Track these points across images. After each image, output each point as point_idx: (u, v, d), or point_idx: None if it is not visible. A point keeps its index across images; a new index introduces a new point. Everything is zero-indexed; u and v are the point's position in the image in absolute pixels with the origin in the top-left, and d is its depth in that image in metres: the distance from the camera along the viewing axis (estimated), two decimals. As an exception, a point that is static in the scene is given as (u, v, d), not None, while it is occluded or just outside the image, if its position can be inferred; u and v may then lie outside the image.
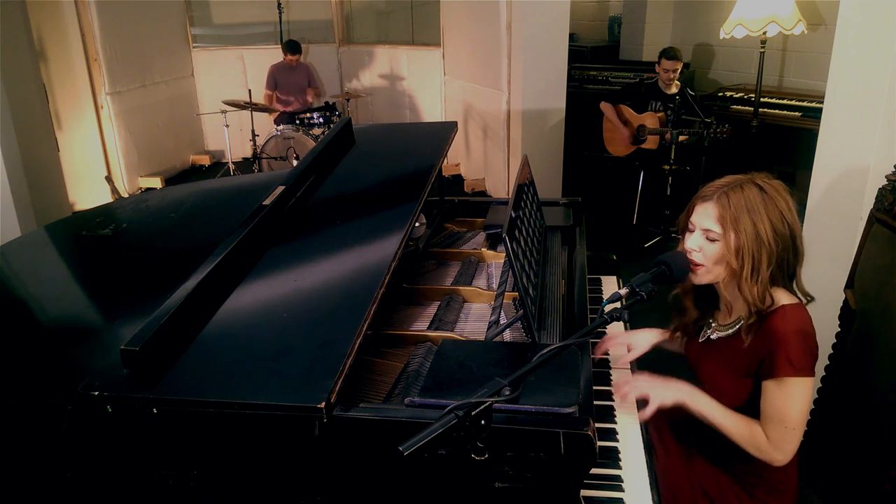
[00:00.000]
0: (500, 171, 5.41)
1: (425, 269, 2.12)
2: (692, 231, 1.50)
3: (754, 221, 1.41)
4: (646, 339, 1.81)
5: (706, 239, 1.46)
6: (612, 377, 1.80)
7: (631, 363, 1.79)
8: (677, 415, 1.57)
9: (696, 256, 1.47)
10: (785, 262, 1.45)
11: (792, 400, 1.41)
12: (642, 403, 1.56)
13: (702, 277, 1.49)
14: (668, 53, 4.61)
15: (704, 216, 1.46)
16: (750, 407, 1.50)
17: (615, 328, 1.99)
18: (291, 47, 6.02)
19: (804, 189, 2.58)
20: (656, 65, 4.76)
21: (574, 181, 5.39)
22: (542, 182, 4.05)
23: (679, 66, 4.65)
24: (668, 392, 1.53)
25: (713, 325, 1.60)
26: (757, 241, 1.41)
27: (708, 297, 1.60)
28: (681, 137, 4.48)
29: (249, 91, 5.73)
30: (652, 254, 4.50)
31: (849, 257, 2.07)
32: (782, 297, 1.46)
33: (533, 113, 4.92)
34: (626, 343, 1.82)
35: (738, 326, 1.52)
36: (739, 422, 1.49)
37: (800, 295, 1.50)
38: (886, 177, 1.98)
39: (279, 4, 6.60)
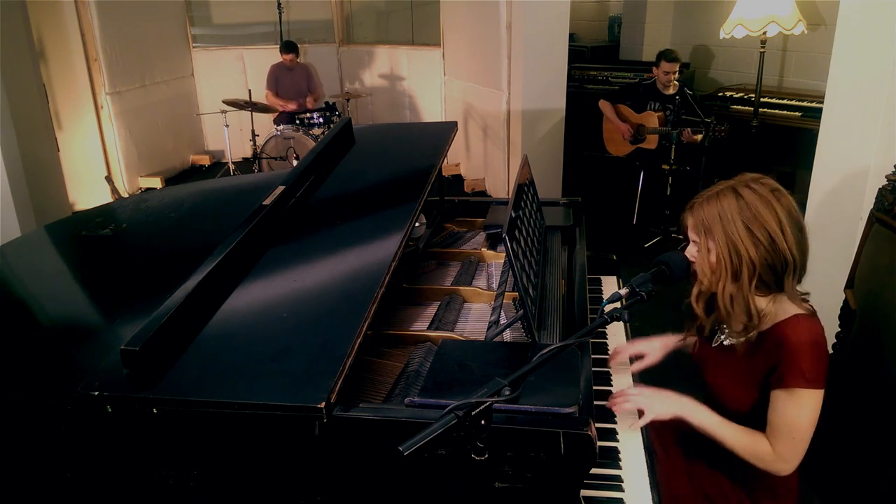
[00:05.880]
0: (500, 171, 5.41)
1: (425, 269, 2.12)
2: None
3: (727, 232, 1.39)
4: (659, 346, 1.78)
5: (696, 247, 1.46)
6: (611, 378, 1.80)
7: (633, 374, 1.78)
8: (677, 421, 1.57)
9: (697, 265, 1.48)
10: (775, 269, 1.40)
11: (802, 412, 1.40)
12: (640, 412, 1.55)
13: (706, 285, 1.49)
14: (669, 56, 4.61)
15: (688, 226, 1.48)
16: (754, 415, 1.48)
17: (616, 338, 1.99)
18: (287, 47, 6.04)
19: (804, 189, 2.59)
20: (654, 67, 4.75)
21: (574, 181, 5.39)
22: (542, 182, 4.05)
23: (677, 68, 4.66)
24: (665, 406, 1.52)
25: (727, 330, 1.58)
26: (734, 251, 1.38)
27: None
28: (697, 136, 4.40)
29: (249, 91, 5.73)
30: (652, 254, 4.50)
31: (849, 257, 2.07)
32: (792, 307, 1.44)
33: (533, 113, 4.92)
34: (639, 351, 1.79)
35: (749, 335, 1.51)
36: (741, 434, 1.47)
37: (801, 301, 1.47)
38: (886, 177, 1.98)
39: (279, 4, 6.60)
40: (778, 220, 1.38)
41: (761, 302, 1.46)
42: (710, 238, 1.41)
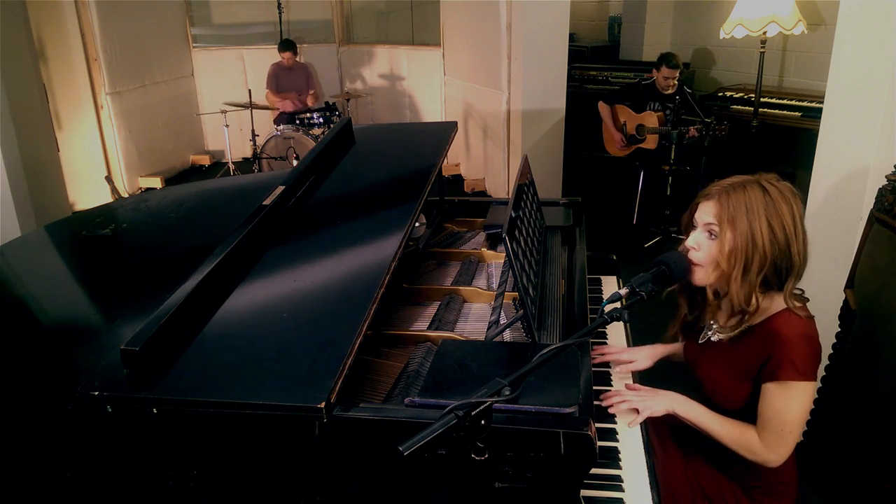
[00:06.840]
0: (500, 171, 5.41)
1: (425, 269, 2.12)
2: (695, 228, 1.49)
3: (751, 223, 1.39)
4: (647, 355, 1.81)
5: (708, 235, 1.45)
6: (612, 378, 1.80)
7: (632, 373, 1.79)
8: (675, 418, 1.57)
9: (694, 255, 1.47)
10: (780, 269, 1.42)
11: (793, 404, 1.40)
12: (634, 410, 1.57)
13: (701, 279, 1.49)
14: (670, 62, 4.61)
15: (706, 213, 1.46)
16: (749, 410, 1.49)
17: (616, 338, 1.99)
18: (285, 45, 6.07)
19: (804, 189, 2.58)
20: (654, 70, 4.75)
21: (574, 181, 5.39)
22: (542, 182, 4.05)
23: (678, 74, 4.68)
24: (658, 403, 1.55)
25: (714, 326, 1.59)
26: (751, 243, 1.39)
27: (701, 298, 1.59)
28: (691, 131, 4.40)
29: (249, 91, 5.73)
30: (652, 254, 4.50)
31: (849, 257, 2.07)
32: (783, 303, 1.44)
33: (533, 113, 4.92)
34: (627, 359, 1.81)
35: (739, 329, 1.51)
36: (731, 427, 1.49)
37: (795, 301, 1.47)
38: (886, 177, 1.98)
39: (279, 4, 6.60)
40: (794, 221, 1.41)
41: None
42: (731, 227, 1.41)
